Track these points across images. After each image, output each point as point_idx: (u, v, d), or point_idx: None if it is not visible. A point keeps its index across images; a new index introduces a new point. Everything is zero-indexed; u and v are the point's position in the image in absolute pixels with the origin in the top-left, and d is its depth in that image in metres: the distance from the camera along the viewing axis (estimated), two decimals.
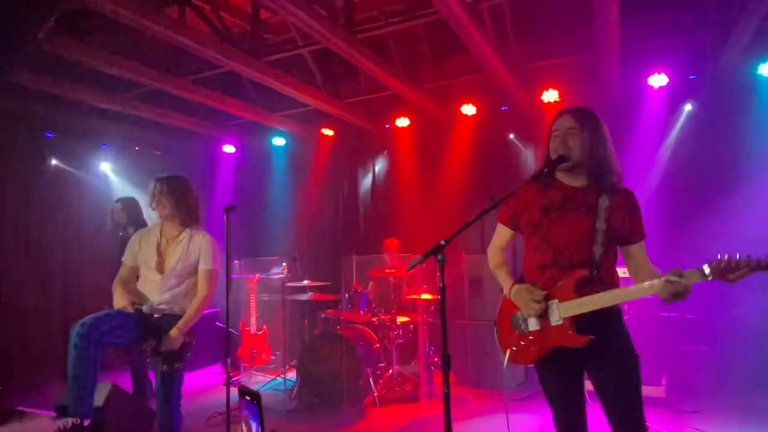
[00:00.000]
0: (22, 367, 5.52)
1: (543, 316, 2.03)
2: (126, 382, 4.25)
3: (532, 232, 2.11)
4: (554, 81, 5.15)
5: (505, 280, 2.20)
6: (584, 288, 1.97)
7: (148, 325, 2.94)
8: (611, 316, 2.01)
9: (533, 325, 2.07)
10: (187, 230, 3.06)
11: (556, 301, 2.01)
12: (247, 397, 1.24)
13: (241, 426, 1.25)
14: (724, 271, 1.76)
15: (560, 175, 2.12)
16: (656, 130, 4.95)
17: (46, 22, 3.78)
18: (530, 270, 2.14)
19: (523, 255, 2.20)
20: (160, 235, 3.07)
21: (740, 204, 4.50)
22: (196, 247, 3.03)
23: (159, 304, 2.97)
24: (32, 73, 4.68)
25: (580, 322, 1.97)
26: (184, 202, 3.04)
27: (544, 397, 2.44)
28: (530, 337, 2.08)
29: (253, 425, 1.20)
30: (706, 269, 1.78)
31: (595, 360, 2.01)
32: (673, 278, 1.80)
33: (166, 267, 3.00)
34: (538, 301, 2.01)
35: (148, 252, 3.03)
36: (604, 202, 2.02)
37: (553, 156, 2.08)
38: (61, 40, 4.08)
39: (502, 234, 2.29)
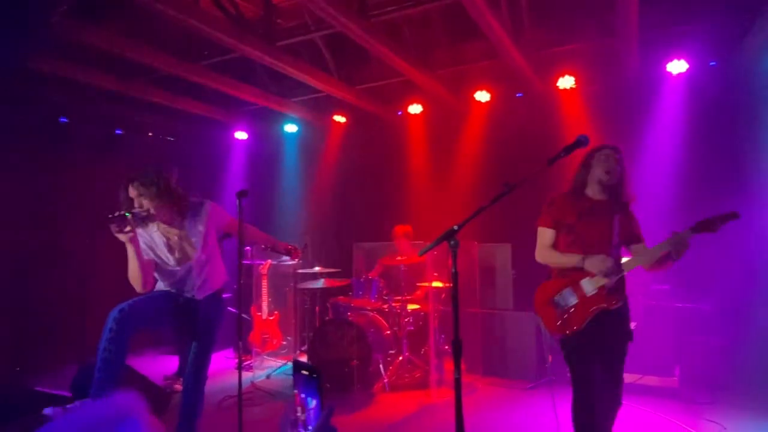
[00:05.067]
0: (38, 348, 5.62)
1: (579, 292, 2.65)
2: (140, 364, 4.32)
3: (569, 231, 2.73)
4: (571, 67, 5.06)
5: (572, 257, 2.68)
6: None
7: (186, 309, 2.98)
8: (623, 309, 2.69)
9: (572, 301, 2.66)
10: (187, 216, 3.00)
11: (588, 278, 2.62)
12: (305, 372, 1.21)
13: (293, 403, 1.22)
14: (706, 226, 2.45)
15: (589, 190, 2.77)
16: (675, 117, 4.86)
17: (60, 5, 3.78)
18: None
19: (556, 246, 2.79)
20: (162, 230, 2.98)
21: (759, 191, 4.41)
22: (204, 220, 3.01)
23: (200, 287, 3.00)
24: (46, 58, 4.70)
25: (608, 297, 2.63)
26: (169, 192, 2.87)
27: (553, 387, 3.17)
28: (572, 310, 2.65)
29: (313, 402, 1.17)
30: (694, 229, 2.46)
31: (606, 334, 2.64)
32: (671, 239, 2.48)
33: (191, 258, 2.99)
34: (605, 259, 2.59)
35: (158, 250, 2.97)
36: (617, 213, 2.71)
37: (604, 178, 2.70)
38: (75, 25, 4.08)
39: (548, 235, 2.81)
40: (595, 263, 2.60)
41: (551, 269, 2.81)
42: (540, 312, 2.79)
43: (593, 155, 2.75)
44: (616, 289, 2.64)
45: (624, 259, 2.68)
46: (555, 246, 2.80)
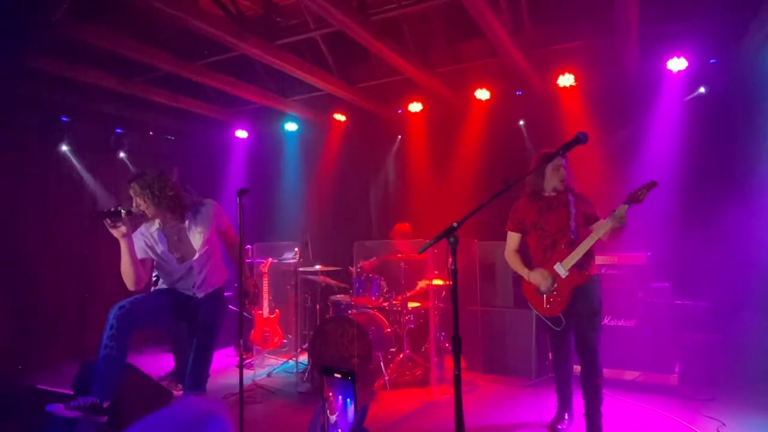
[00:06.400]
0: (38, 346, 5.64)
1: (555, 276, 3.15)
2: (140, 362, 4.32)
3: (534, 227, 3.29)
4: (570, 65, 5.06)
5: (523, 270, 3.31)
6: (570, 247, 3.15)
7: (186, 307, 2.99)
8: (591, 283, 3.18)
9: (553, 285, 3.18)
10: (187, 217, 3.02)
11: (558, 263, 3.14)
12: (338, 375, 1.21)
13: (323, 407, 1.23)
14: (633, 197, 2.96)
15: (545, 192, 3.26)
16: (674, 115, 4.86)
17: (61, 5, 3.79)
18: (535, 252, 3.31)
19: (528, 244, 3.36)
20: (163, 230, 3.00)
21: (759, 188, 4.42)
22: (206, 220, 3.03)
23: (199, 286, 3.01)
24: (47, 57, 4.71)
25: (579, 283, 3.16)
26: (163, 195, 2.89)
27: (553, 383, 3.42)
28: (554, 293, 3.18)
29: (349, 405, 1.18)
30: (626, 202, 2.98)
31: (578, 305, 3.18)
32: (612, 214, 3.01)
33: (192, 257, 2.99)
34: (546, 277, 3.19)
35: (159, 249, 2.98)
36: (571, 199, 3.23)
37: (559, 187, 3.25)
38: (75, 24, 4.09)
39: (513, 239, 3.42)
40: (536, 277, 3.21)
41: (531, 261, 3.34)
42: (529, 299, 3.34)
43: (546, 165, 3.18)
44: (582, 265, 3.15)
45: (578, 247, 3.13)
46: (528, 243, 3.35)
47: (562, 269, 3.13)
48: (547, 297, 3.20)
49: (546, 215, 3.25)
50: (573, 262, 3.10)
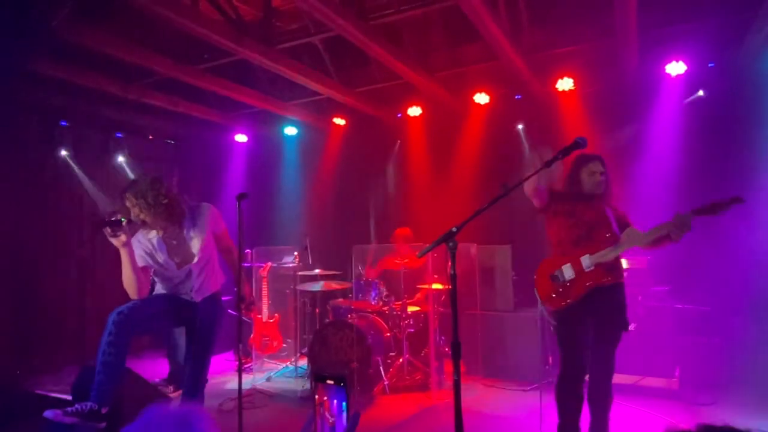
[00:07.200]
0: (38, 351, 5.62)
1: (577, 267, 2.79)
2: (139, 367, 4.32)
3: (565, 214, 2.90)
4: (569, 69, 5.07)
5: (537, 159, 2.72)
6: (609, 240, 2.78)
7: (185, 312, 2.99)
8: (617, 289, 2.84)
9: (569, 275, 2.81)
10: (184, 221, 3.01)
11: (587, 255, 2.78)
12: (331, 381, 1.22)
13: (315, 413, 1.23)
14: (711, 210, 2.55)
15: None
16: (673, 119, 4.86)
17: (62, 8, 3.79)
18: (564, 241, 2.89)
19: (551, 232, 2.96)
20: (161, 236, 2.99)
21: (758, 192, 4.41)
22: (203, 223, 3.02)
23: (197, 290, 3.01)
24: (47, 61, 4.71)
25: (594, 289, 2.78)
26: (158, 203, 2.86)
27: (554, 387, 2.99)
28: (567, 284, 2.82)
29: (343, 410, 1.19)
30: (699, 213, 2.56)
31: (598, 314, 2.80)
32: (676, 217, 2.59)
33: (190, 261, 2.99)
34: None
35: (158, 256, 2.97)
36: (609, 211, 2.92)
37: (597, 191, 2.91)
38: (76, 28, 4.10)
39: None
40: (531, 156, 2.90)
41: (553, 250, 2.97)
42: (537, 283, 2.97)
43: (581, 169, 2.92)
44: (612, 267, 2.81)
45: (619, 244, 2.78)
46: (553, 230, 2.97)
47: (588, 260, 2.77)
48: (557, 285, 2.85)
49: (583, 206, 2.90)
50: (606, 258, 2.75)
